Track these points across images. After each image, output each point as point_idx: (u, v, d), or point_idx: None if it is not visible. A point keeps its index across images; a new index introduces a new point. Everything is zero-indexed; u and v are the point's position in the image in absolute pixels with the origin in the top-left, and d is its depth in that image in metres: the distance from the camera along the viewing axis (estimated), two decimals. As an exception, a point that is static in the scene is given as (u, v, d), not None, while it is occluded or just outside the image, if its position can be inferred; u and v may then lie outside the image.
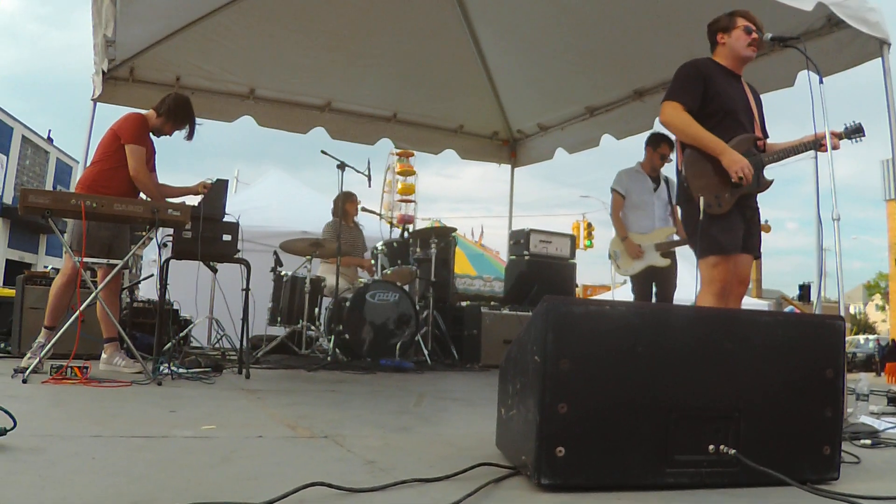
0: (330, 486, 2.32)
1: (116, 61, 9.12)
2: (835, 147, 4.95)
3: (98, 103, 8.90)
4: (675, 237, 7.91)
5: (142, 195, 6.31)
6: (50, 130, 44.56)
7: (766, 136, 5.22)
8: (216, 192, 6.54)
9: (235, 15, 9.25)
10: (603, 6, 8.78)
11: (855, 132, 5.01)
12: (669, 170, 8.18)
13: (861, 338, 46.80)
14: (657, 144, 8.23)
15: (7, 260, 34.69)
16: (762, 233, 5.54)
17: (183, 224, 5.92)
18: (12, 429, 2.83)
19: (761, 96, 5.44)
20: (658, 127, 8.62)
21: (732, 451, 2.69)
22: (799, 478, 2.71)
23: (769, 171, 5.05)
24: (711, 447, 2.69)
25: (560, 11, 9.21)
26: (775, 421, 2.82)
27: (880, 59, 6.57)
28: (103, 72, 8.44)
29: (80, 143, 8.58)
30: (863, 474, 3.12)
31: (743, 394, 2.79)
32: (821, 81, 5.02)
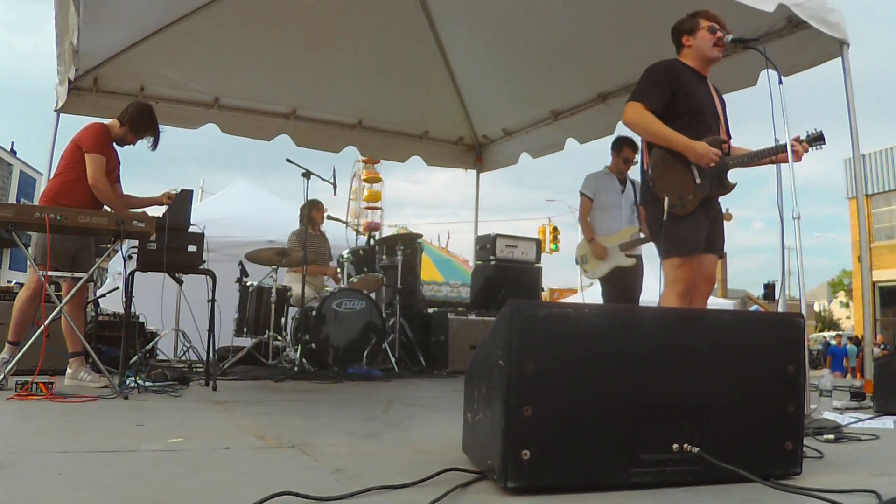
0: (298, 495, 2.33)
1: (80, 71, 9.06)
2: (798, 157, 5.00)
3: (62, 114, 8.86)
4: (640, 235, 7.96)
5: (106, 207, 6.27)
6: (13, 142, 44.17)
7: (729, 137, 5.28)
8: (181, 202, 6.50)
9: (199, 24, 9.21)
10: (566, 10, 8.83)
11: (816, 140, 5.07)
12: (636, 172, 8.25)
13: (825, 334, 47.24)
14: (620, 148, 8.31)
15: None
16: (725, 220, 5.61)
17: (148, 235, 5.89)
18: (-23, 445, 2.82)
19: (725, 96, 5.50)
20: (621, 130, 8.69)
21: (696, 450, 2.72)
22: (762, 473, 2.75)
23: (733, 175, 5.12)
24: (676, 446, 2.73)
25: (523, 16, 9.26)
26: (738, 418, 2.86)
27: (840, 58, 6.67)
28: (69, 81, 8.40)
29: (44, 154, 8.51)
30: (826, 468, 3.17)
31: (706, 392, 2.83)
32: (780, 81, 5.07)
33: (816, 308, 74.00)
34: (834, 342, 38.18)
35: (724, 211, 5.51)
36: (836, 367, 31.32)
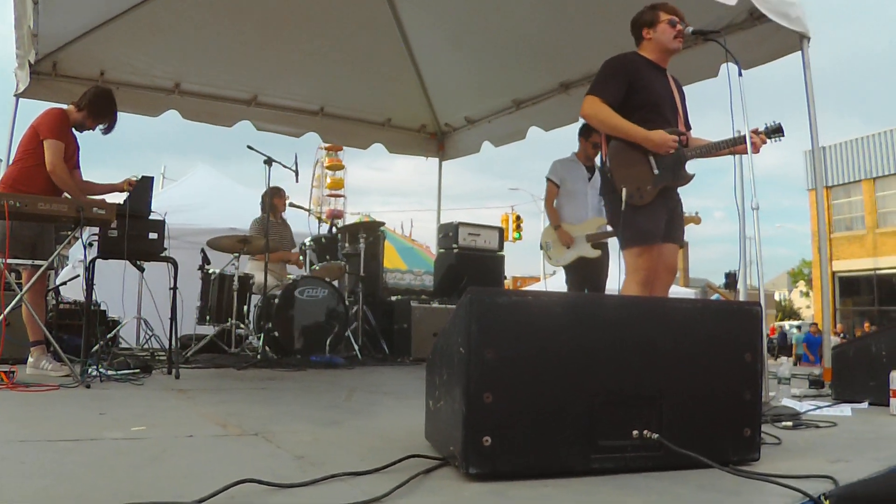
0: (260, 482, 2.34)
1: (39, 55, 8.96)
2: (756, 148, 5.05)
3: (21, 99, 8.76)
4: (607, 228, 7.97)
5: (65, 193, 6.22)
6: (-31, 129, 43.47)
7: (689, 128, 5.33)
8: (142, 189, 6.46)
9: (160, 8, 9.12)
10: (529, 0, 8.84)
11: (774, 132, 5.12)
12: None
13: (786, 324, 47.71)
14: (588, 134, 8.29)
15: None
16: (694, 224, 5.66)
17: (109, 222, 5.83)
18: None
19: (686, 87, 5.55)
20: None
21: (655, 436, 2.76)
22: (721, 459, 2.79)
23: (694, 168, 5.17)
24: (635, 432, 2.77)
25: (486, 6, 9.26)
26: (697, 404, 2.91)
27: (800, 52, 6.73)
28: (29, 64, 8.30)
29: (2, 140, 8.40)
30: (783, 454, 3.22)
31: (665, 379, 2.87)
32: (740, 74, 5.13)
33: (777, 297, 74.77)
34: (797, 332, 38.55)
35: (693, 213, 5.56)
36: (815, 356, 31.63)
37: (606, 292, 8.18)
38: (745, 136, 5.00)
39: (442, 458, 2.82)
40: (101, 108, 6.45)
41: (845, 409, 4.88)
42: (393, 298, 10.38)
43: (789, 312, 71.27)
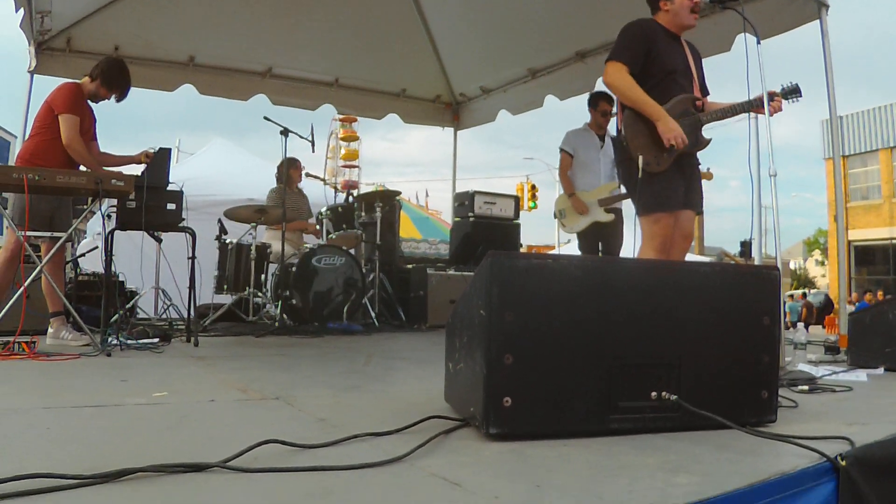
0: (283, 442, 2.38)
1: (53, 31, 9.00)
2: (777, 110, 5.04)
3: (36, 75, 8.79)
4: (619, 190, 7.97)
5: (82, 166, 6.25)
6: (-15, 105, 43.72)
7: (706, 93, 5.31)
8: (159, 160, 6.48)
9: (173, -18, 9.13)
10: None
11: (791, 93, 5.10)
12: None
13: (808, 292, 47.53)
14: (596, 103, 8.33)
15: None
16: (704, 181, 5.65)
17: (126, 194, 5.86)
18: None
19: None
20: (600, 87, 8.68)
21: (674, 397, 2.78)
22: (739, 421, 2.81)
23: (708, 131, 5.15)
24: (654, 394, 2.79)
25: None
26: (715, 367, 2.92)
27: (818, 21, 6.68)
28: (36, 42, 8.32)
29: (18, 117, 8.45)
30: (799, 417, 3.24)
31: (684, 342, 2.88)
32: (758, 43, 5.10)
33: (792, 266, 74.50)
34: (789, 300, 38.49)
35: (704, 170, 5.55)
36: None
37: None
38: (759, 100, 4.98)
39: (462, 419, 2.86)
40: (113, 77, 6.46)
41: (861, 375, 4.89)
42: (409, 266, 10.40)
43: (805, 281, 70.99)
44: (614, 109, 8.03)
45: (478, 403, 2.64)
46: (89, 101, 6.47)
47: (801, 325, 8.13)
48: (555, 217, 8.40)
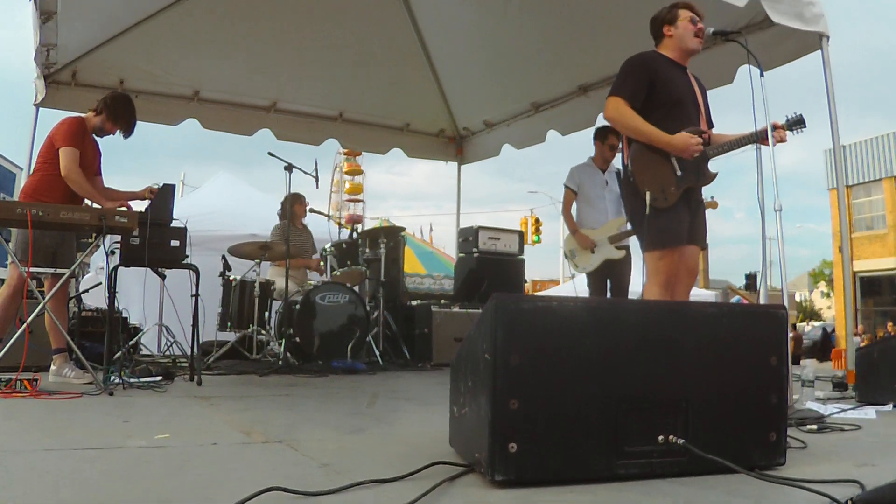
0: (286, 490, 2.34)
1: (59, 65, 9.05)
2: (781, 140, 5.02)
3: (42, 108, 8.82)
4: (628, 226, 7.91)
5: (87, 202, 6.24)
6: (-9, 137, 44.04)
7: (711, 126, 5.30)
8: (163, 196, 6.47)
9: (178, 16, 9.18)
10: (546, 3, 8.83)
11: (796, 124, 5.08)
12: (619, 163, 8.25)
13: (806, 325, 47.50)
14: (605, 137, 8.28)
15: (-51, 271, 34.05)
16: (709, 209, 5.64)
17: (131, 230, 5.85)
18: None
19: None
20: (602, 121, 8.66)
21: (681, 441, 2.74)
22: (747, 464, 2.77)
23: (713, 164, 5.13)
24: (661, 437, 2.75)
25: (504, 9, 9.25)
26: (722, 409, 2.89)
27: (819, 51, 6.68)
28: (44, 77, 8.36)
29: (24, 148, 8.49)
30: (809, 458, 3.20)
31: (690, 384, 2.86)
32: (761, 75, 5.09)
33: (798, 298, 74.44)
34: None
35: (709, 199, 5.53)
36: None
37: (630, 295, 8.18)
38: (764, 131, 4.97)
39: (467, 464, 2.82)
40: (119, 111, 6.47)
41: (869, 412, 4.85)
42: (413, 303, 10.37)
43: (810, 313, 70.93)
44: (619, 145, 8.05)
45: (483, 449, 2.60)
46: (95, 136, 6.47)
47: (808, 361, 8.10)
48: (565, 258, 8.34)
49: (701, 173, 5.03)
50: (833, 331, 37.91)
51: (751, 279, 33.60)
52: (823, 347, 35.91)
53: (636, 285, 6.26)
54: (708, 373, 2.89)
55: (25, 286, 5.76)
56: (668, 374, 2.84)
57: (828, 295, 66.24)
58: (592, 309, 2.87)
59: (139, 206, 6.55)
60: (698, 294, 22.08)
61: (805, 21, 6.40)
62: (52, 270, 6.00)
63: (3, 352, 5.50)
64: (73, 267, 5.97)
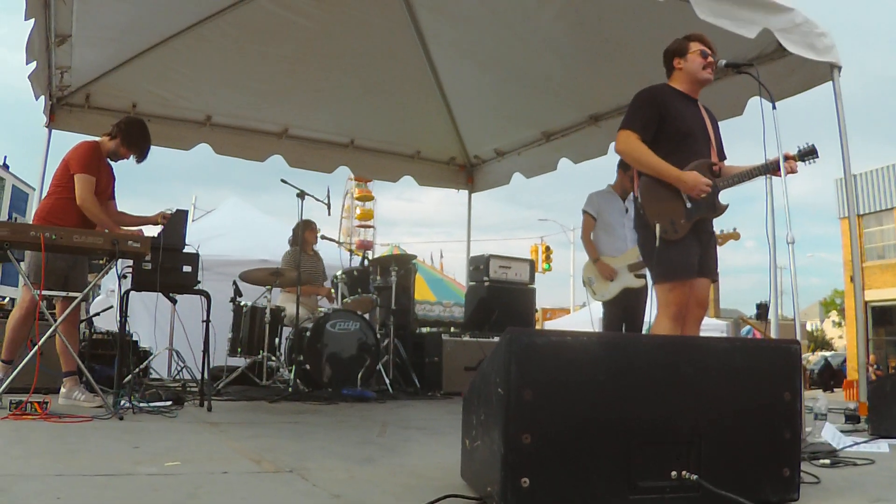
0: (298, 522, 2.34)
1: (72, 87, 9.11)
2: (792, 171, 5.02)
3: (54, 130, 8.89)
4: None
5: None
6: (6, 157, 44.33)
7: (723, 157, 5.30)
8: (176, 222, 6.49)
9: (191, 41, 9.21)
10: (557, 32, 8.83)
11: (808, 154, 5.08)
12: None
13: (811, 355, 47.35)
14: (627, 167, 8.24)
15: (-39, 291, 34.22)
16: (731, 241, 5.62)
17: (143, 255, 5.87)
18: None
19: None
20: (613, 152, 8.65)
21: (694, 477, 2.73)
22: (760, 500, 2.77)
23: (725, 197, 5.13)
24: (674, 473, 2.74)
25: (515, 37, 9.26)
26: (735, 445, 2.88)
27: (831, 82, 6.68)
28: (51, 99, 8.43)
29: (36, 169, 8.54)
30: (823, 494, 3.19)
31: (703, 419, 2.85)
32: (773, 108, 5.09)
33: (809, 328, 74.18)
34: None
35: (731, 230, 5.54)
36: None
37: (643, 324, 8.15)
38: (777, 162, 4.96)
39: (478, 497, 2.81)
40: (134, 136, 6.51)
41: (882, 446, 4.82)
42: (423, 331, 10.34)
43: (821, 343, 70.65)
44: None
45: (495, 483, 2.60)
46: (109, 160, 6.51)
47: (820, 393, 8.05)
48: (584, 285, 8.29)
49: (712, 205, 5.03)
50: (844, 361, 37.77)
51: (762, 309, 33.55)
52: (825, 377, 35.79)
53: (648, 315, 6.24)
54: (721, 408, 2.89)
55: (38, 309, 5.76)
56: (681, 409, 2.84)
57: (839, 324, 66.03)
58: (605, 344, 2.87)
59: (152, 230, 6.57)
60: (709, 323, 22.03)
61: (817, 52, 6.40)
62: (64, 293, 6.02)
63: (14, 374, 5.51)
64: (86, 291, 5.99)
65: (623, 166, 8.29)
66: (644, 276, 7.93)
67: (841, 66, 6.65)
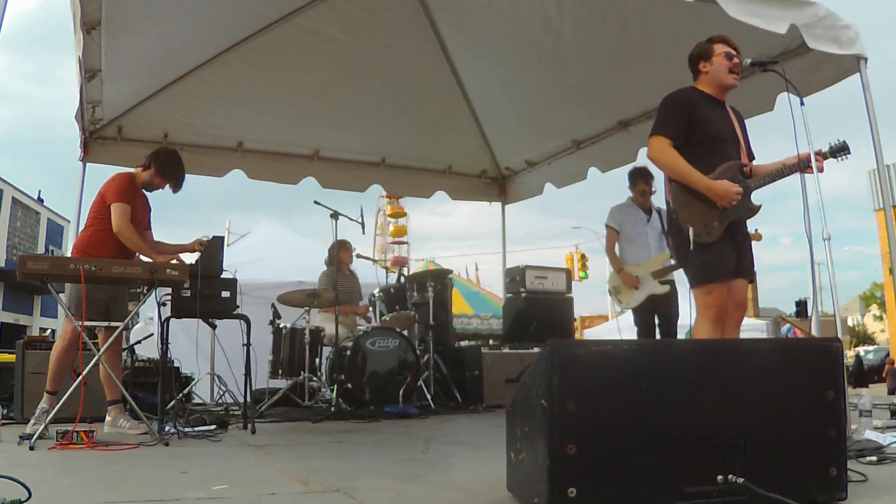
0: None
1: (104, 121, 9.21)
2: (819, 169, 4.99)
3: (89, 163, 8.99)
4: (671, 262, 7.90)
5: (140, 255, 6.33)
6: (40, 191, 44.93)
7: (752, 158, 5.27)
8: (213, 248, 6.54)
9: (219, 69, 9.28)
10: (581, 39, 8.82)
11: (840, 150, 5.06)
12: (660, 199, 8.23)
13: (861, 349, 46.80)
14: (634, 182, 8.40)
15: (2, 323, 34.53)
16: (755, 241, 5.59)
17: (181, 283, 5.93)
18: (27, 500, 2.85)
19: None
20: (642, 158, 8.66)
21: (741, 480, 2.72)
22: (807, 501, 2.76)
23: (757, 195, 5.10)
24: (720, 477, 2.74)
25: (539, 47, 9.24)
26: (781, 446, 2.87)
27: (858, 74, 6.63)
28: (84, 133, 8.55)
29: (71, 201, 8.67)
30: (871, 492, 3.17)
31: (747, 421, 2.85)
32: (802, 104, 5.06)
33: (850, 323, 73.36)
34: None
35: (752, 231, 5.51)
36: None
37: (678, 328, 8.15)
38: (808, 159, 4.94)
39: (526, 510, 2.81)
40: (168, 166, 6.58)
41: (928, 441, 4.77)
42: (463, 344, 10.34)
43: (863, 338, 69.87)
44: (653, 188, 8.10)
45: (542, 495, 2.60)
46: (144, 191, 6.58)
47: (863, 390, 7.97)
48: (609, 294, 8.36)
49: (744, 206, 5.01)
50: (887, 355, 37.31)
51: (801, 306, 33.18)
52: (858, 374, 35.40)
53: (684, 318, 6.22)
54: (764, 410, 2.88)
55: (81, 339, 5.82)
56: (725, 412, 2.83)
57: (880, 318, 65.20)
58: (646, 352, 2.87)
59: (189, 258, 6.63)
60: (749, 323, 21.83)
61: (841, 45, 6.33)
62: (106, 323, 6.08)
63: (59, 404, 5.59)
64: (127, 320, 6.05)
65: (631, 181, 8.46)
66: (669, 283, 7.97)
67: (867, 58, 6.59)
